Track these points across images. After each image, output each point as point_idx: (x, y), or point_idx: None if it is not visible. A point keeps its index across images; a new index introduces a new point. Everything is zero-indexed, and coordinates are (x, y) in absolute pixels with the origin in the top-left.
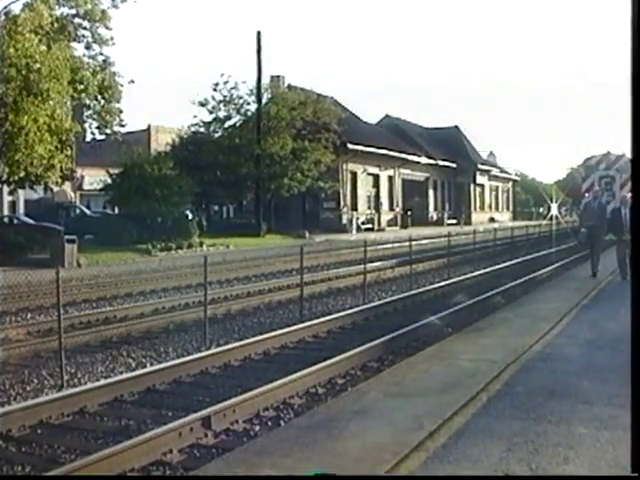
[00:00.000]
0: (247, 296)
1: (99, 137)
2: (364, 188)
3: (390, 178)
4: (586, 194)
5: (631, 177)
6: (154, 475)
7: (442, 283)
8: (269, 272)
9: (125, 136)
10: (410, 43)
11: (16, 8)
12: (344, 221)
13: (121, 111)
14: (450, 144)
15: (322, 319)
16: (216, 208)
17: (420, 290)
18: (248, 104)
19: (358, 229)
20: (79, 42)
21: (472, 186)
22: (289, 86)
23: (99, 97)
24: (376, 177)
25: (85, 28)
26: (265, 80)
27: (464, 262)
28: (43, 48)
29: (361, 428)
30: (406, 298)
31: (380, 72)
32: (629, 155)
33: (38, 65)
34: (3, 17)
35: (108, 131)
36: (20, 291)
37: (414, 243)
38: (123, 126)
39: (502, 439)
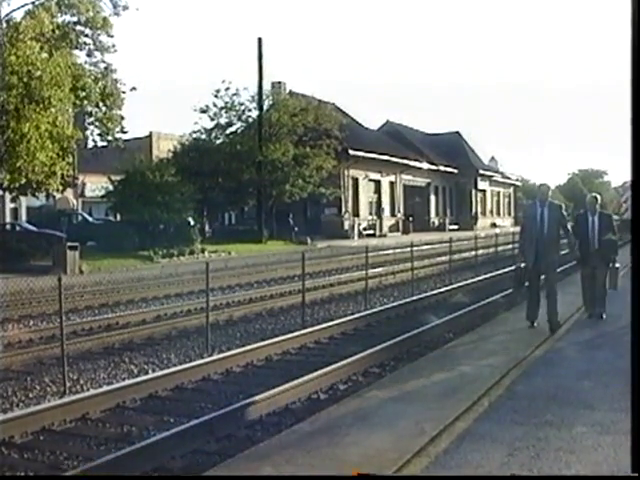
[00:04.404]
0: (249, 302)
1: (101, 144)
2: (366, 194)
3: (391, 184)
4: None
5: (631, 180)
6: (154, 475)
7: (444, 289)
8: (271, 278)
9: (127, 143)
10: (411, 50)
11: (17, 15)
12: (346, 227)
13: (123, 118)
14: (451, 150)
15: (324, 325)
16: (218, 214)
17: (422, 296)
18: (249, 110)
19: (360, 235)
20: (81, 49)
21: (474, 191)
22: (290, 92)
23: (101, 104)
24: (377, 183)
25: (87, 35)
26: (266, 86)
27: (466, 267)
28: (44, 55)
29: (362, 434)
30: (408, 304)
31: (381, 78)
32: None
33: (39, 72)
34: (4, 24)
35: (110, 138)
36: (22, 298)
37: (415, 249)
38: (125, 133)
39: (504, 444)
